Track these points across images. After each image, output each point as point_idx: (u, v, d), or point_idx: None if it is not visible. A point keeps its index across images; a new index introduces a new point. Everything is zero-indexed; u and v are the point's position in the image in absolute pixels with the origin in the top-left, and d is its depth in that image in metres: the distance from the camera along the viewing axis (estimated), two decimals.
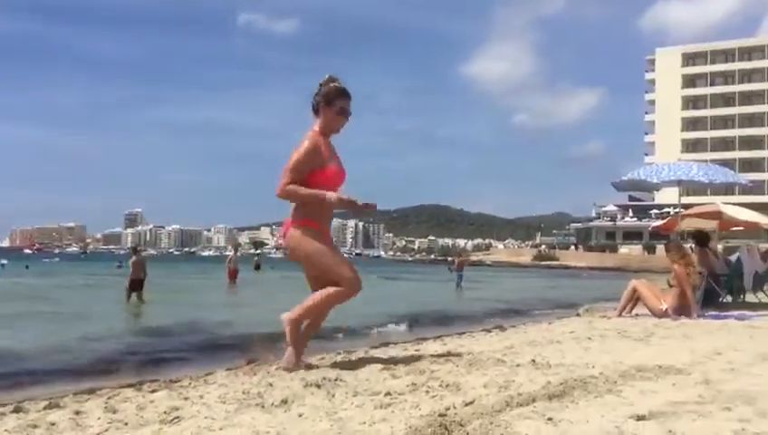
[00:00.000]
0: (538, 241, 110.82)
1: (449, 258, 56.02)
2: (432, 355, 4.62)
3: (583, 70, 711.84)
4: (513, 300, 17.01)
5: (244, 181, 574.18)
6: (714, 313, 8.63)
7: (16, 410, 3.56)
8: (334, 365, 4.21)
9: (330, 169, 4.07)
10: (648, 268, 38.15)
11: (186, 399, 3.46)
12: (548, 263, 66.90)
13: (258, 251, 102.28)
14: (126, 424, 2.94)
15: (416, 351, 5.28)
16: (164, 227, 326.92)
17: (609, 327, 6.97)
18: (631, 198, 77.75)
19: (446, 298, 19.16)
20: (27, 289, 20.82)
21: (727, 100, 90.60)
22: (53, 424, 3.03)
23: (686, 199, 11.46)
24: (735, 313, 8.70)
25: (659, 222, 16.26)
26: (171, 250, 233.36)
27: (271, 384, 3.60)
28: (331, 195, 3.97)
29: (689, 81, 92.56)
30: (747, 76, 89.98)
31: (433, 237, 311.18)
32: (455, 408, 2.86)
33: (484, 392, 3.18)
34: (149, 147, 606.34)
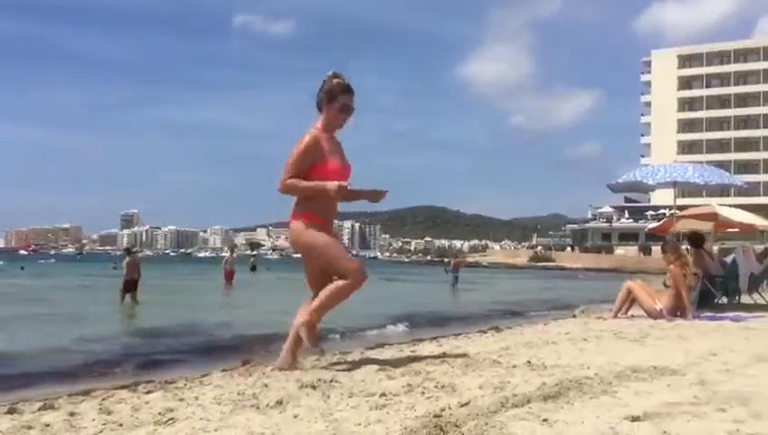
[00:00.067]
0: (534, 242, 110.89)
1: (445, 259, 55.97)
2: (428, 356, 4.62)
3: (579, 72, 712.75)
4: (510, 301, 17.02)
5: (241, 182, 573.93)
6: (709, 314, 8.64)
7: (10, 412, 3.55)
8: (330, 366, 4.22)
9: (331, 164, 4.06)
10: (644, 269, 38.18)
11: (181, 400, 3.45)
12: (544, 264, 66.94)
13: (254, 252, 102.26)
14: (121, 425, 2.94)
15: (411, 352, 5.28)
16: (160, 228, 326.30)
17: (605, 328, 6.98)
18: (627, 200, 77.91)
19: (443, 299, 19.16)
20: (23, 290, 20.76)
21: (723, 102, 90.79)
22: (48, 425, 3.03)
23: (681, 201, 11.52)
24: (731, 314, 8.72)
25: (655, 223, 16.30)
26: (167, 251, 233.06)
27: (266, 385, 3.60)
28: (332, 184, 3.96)
29: (685, 82, 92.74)
30: (743, 78, 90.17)
31: (429, 239, 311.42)
32: (450, 409, 2.86)
33: (480, 393, 3.18)
34: (148, 147, 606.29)
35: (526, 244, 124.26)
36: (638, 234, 67.17)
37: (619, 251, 69.58)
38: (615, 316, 8.46)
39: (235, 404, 3.18)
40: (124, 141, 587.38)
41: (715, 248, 13.33)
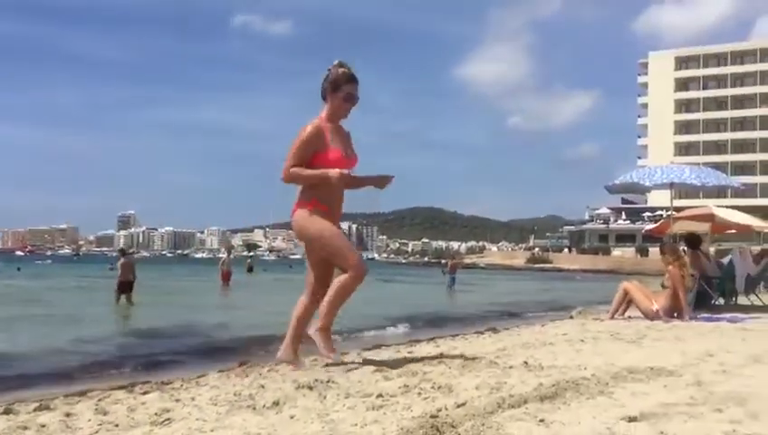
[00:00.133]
0: (531, 244, 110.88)
1: (443, 261, 55.99)
2: (425, 357, 4.61)
3: (578, 72, 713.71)
4: (507, 302, 17.02)
5: (238, 183, 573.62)
6: (706, 315, 8.65)
7: (6, 412, 3.53)
8: (326, 367, 4.21)
9: (332, 153, 4.04)
10: (641, 271, 38.21)
11: (177, 400, 3.45)
12: (541, 265, 66.95)
13: (251, 253, 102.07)
14: (117, 426, 2.93)
15: (408, 353, 5.28)
16: (157, 229, 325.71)
17: (602, 329, 6.99)
18: (624, 201, 77.96)
19: (440, 301, 19.16)
20: (19, 291, 20.72)
21: (720, 103, 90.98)
22: (44, 426, 3.02)
23: (678, 202, 11.52)
24: (728, 315, 8.73)
25: (652, 225, 16.32)
26: (164, 252, 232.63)
27: (262, 386, 3.59)
28: (333, 172, 3.95)
29: (682, 84, 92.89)
30: (740, 80, 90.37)
31: (426, 240, 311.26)
32: (446, 409, 2.86)
33: (476, 394, 3.18)
34: (147, 148, 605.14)
35: (523, 245, 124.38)
36: (635, 235, 67.28)
37: (616, 252, 69.59)
38: (612, 317, 8.46)
39: (231, 405, 3.18)
40: (123, 142, 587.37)
41: (712, 250, 13.34)
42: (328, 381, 3.57)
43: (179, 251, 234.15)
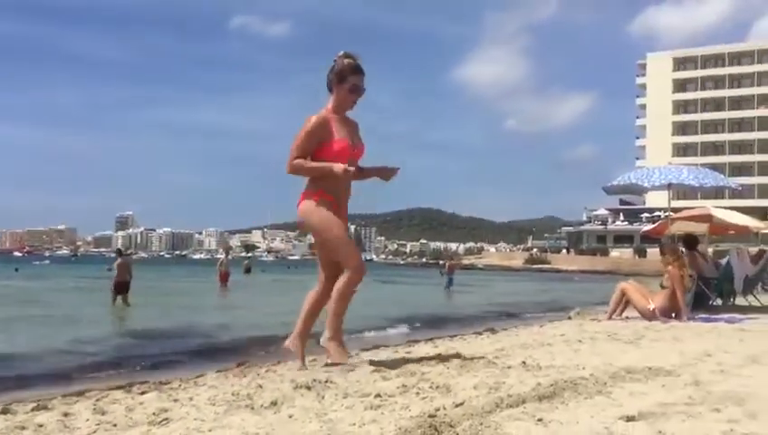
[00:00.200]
0: (530, 245, 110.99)
1: (441, 262, 56.02)
2: (423, 357, 4.61)
3: (575, 74, 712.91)
4: (505, 303, 17.05)
5: (237, 184, 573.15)
6: (704, 316, 8.65)
7: (4, 412, 3.54)
8: (325, 367, 4.21)
9: (337, 144, 4.03)
10: (639, 271, 38.25)
11: (175, 400, 3.45)
12: (539, 266, 67.09)
13: (249, 254, 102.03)
14: (115, 425, 2.93)
15: (407, 353, 5.28)
16: (155, 230, 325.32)
17: (600, 330, 6.99)
18: (622, 202, 78.04)
19: (438, 301, 19.17)
20: (17, 292, 20.71)
21: (717, 104, 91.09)
22: (41, 426, 3.02)
23: (676, 203, 11.52)
24: (725, 316, 8.73)
25: (650, 226, 16.33)
26: (162, 253, 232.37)
27: (260, 386, 3.59)
28: (338, 167, 3.94)
29: (680, 85, 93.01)
30: (737, 81, 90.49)
31: (425, 241, 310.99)
32: (445, 409, 2.86)
33: (475, 394, 3.18)
34: (146, 148, 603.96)
35: (522, 246, 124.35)
36: (633, 236, 67.31)
37: (614, 253, 69.70)
38: (610, 318, 8.48)
39: (229, 405, 3.18)
40: (122, 142, 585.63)
41: (710, 250, 13.36)
42: (326, 381, 3.57)
43: (177, 252, 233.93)
